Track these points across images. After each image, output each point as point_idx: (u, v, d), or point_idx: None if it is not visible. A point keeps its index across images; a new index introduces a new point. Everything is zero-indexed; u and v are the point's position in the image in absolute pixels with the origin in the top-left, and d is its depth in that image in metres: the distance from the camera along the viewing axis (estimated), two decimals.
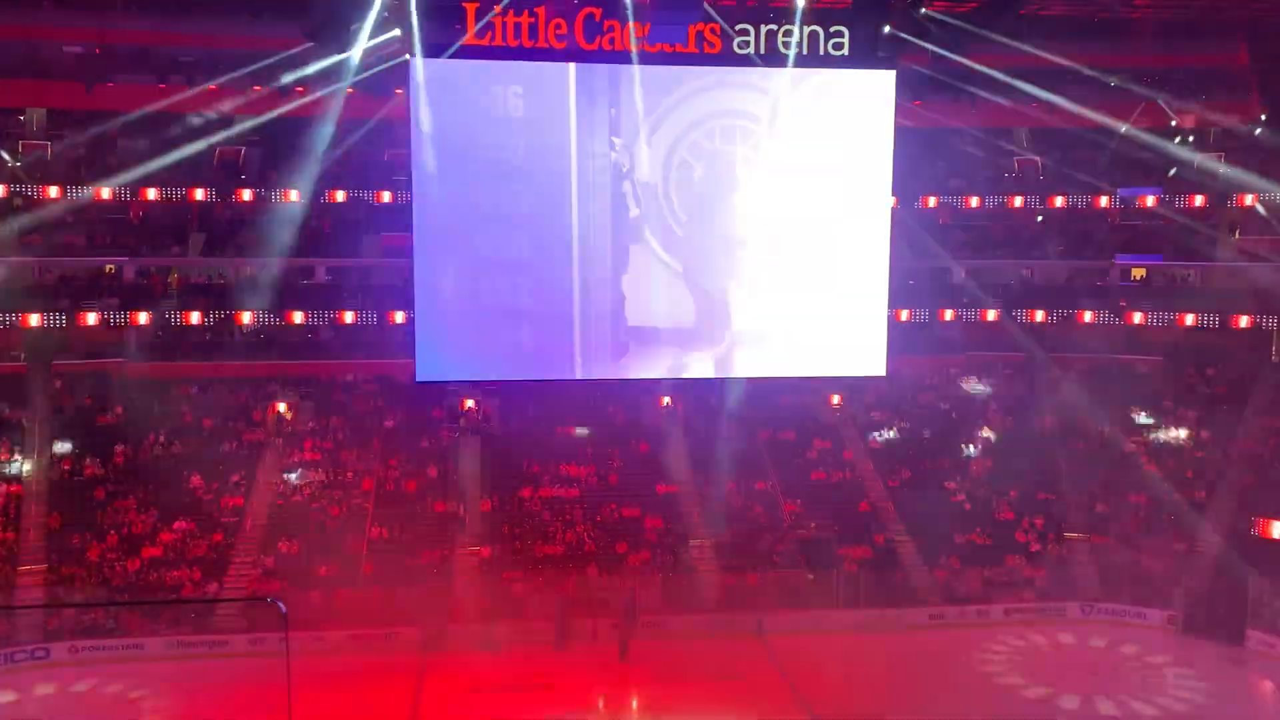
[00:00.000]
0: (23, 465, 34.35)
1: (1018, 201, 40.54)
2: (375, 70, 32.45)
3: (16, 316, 34.55)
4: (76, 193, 36.38)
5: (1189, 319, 37.79)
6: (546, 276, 30.30)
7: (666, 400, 39.05)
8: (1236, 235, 40.33)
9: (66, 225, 37.93)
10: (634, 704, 27.47)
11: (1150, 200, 39.99)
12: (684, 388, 37.82)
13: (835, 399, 39.82)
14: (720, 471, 36.85)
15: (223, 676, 28.29)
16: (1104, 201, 40.48)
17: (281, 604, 22.81)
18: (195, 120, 35.71)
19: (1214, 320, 37.58)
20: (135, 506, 33.51)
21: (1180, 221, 41.14)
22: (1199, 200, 39.37)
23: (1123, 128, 39.20)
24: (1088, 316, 38.76)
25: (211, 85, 34.38)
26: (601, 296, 30.72)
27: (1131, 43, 37.46)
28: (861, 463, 38.19)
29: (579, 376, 32.00)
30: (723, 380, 34.67)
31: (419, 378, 32.15)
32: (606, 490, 36.18)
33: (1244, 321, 37.07)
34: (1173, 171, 40.09)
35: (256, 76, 33.84)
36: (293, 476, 35.32)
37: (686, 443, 38.17)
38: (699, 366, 32.41)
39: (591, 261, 30.43)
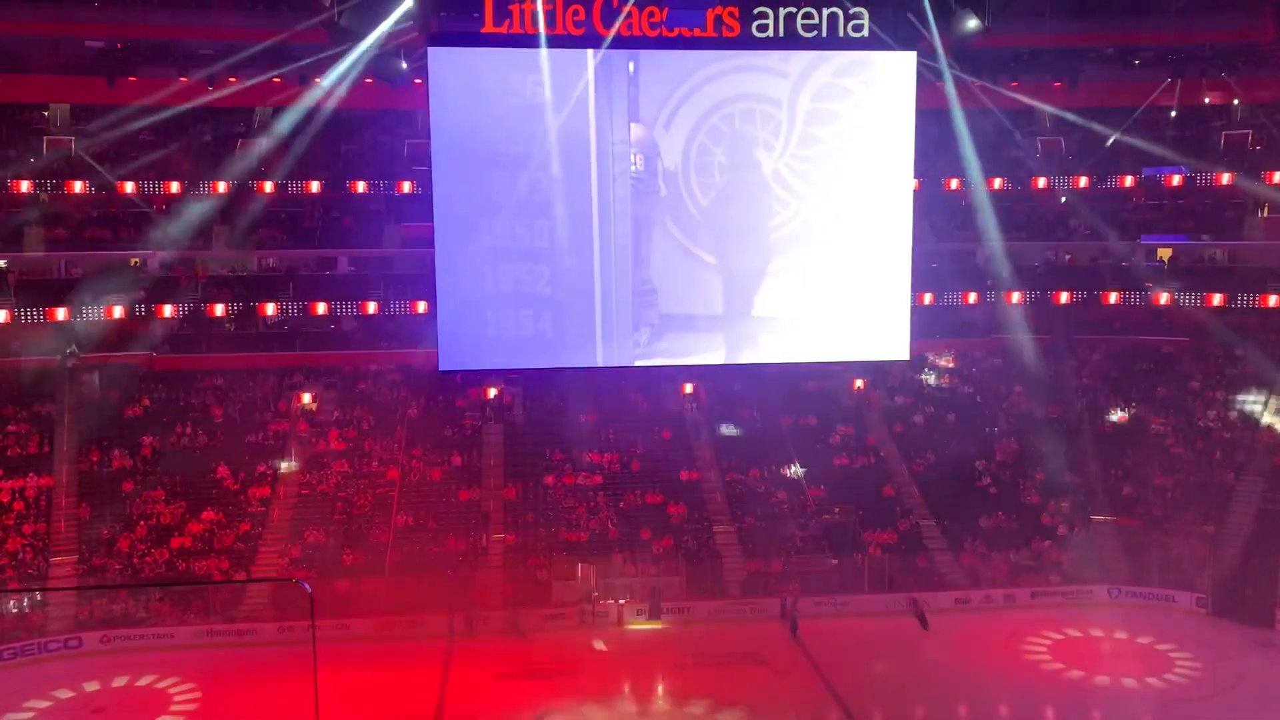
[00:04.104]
0: (52, 457, 34.71)
1: (1041, 182, 40.13)
2: (395, 61, 32.52)
3: (44, 310, 34.91)
4: (100, 186, 36.68)
5: (1216, 299, 37.34)
6: (567, 264, 30.25)
7: (689, 387, 39.01)
8: (1265, 213, 39.79)
9: (91, 219, 38.26)
10: (659, 689, 27.54)
11: (1176, 179, 39.50)
12: (706, 374, 37.78)
13: (858, 383, 39.65)
14: (743, 458, 36.87)
15: (251, 664, 28.58)
16: (1129, 181, 40.02)
17: (306, 584, 22.96)
18: (216, 113, 35.89)
19: (1242, 300, 37.12)
20: (163, 497, 33.85)
21: (1207, 200, 40.68)
22: (1226, 178, 38.86)
23: (1146, 106, 38.79)
24: (1113, 297, 38.36)
25: (232, 78, 34.49)
26: (622, 283, 30.65)
27: (1156, 20, 36.95)
28: (885, 447, 38.06)
29: (601, 364, 31.97)
30: (745, 366, 34.56)
31: (442, 367, 32.24)
32: (630, 477, 36.23)
33: (1273, 300, 36.62)
34: (1198, 150, 39.61)
35: (277, 69, 33.92)
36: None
37: (709, 429, 38.17)
38: (721, 353, 32.30)
39: (612, 248, 30.35)
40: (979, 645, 29.81)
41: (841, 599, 32.10)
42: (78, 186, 36.46)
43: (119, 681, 27.84)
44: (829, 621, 31.02)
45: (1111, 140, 39.35)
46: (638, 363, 32.14)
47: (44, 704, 26.57)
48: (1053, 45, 35.53)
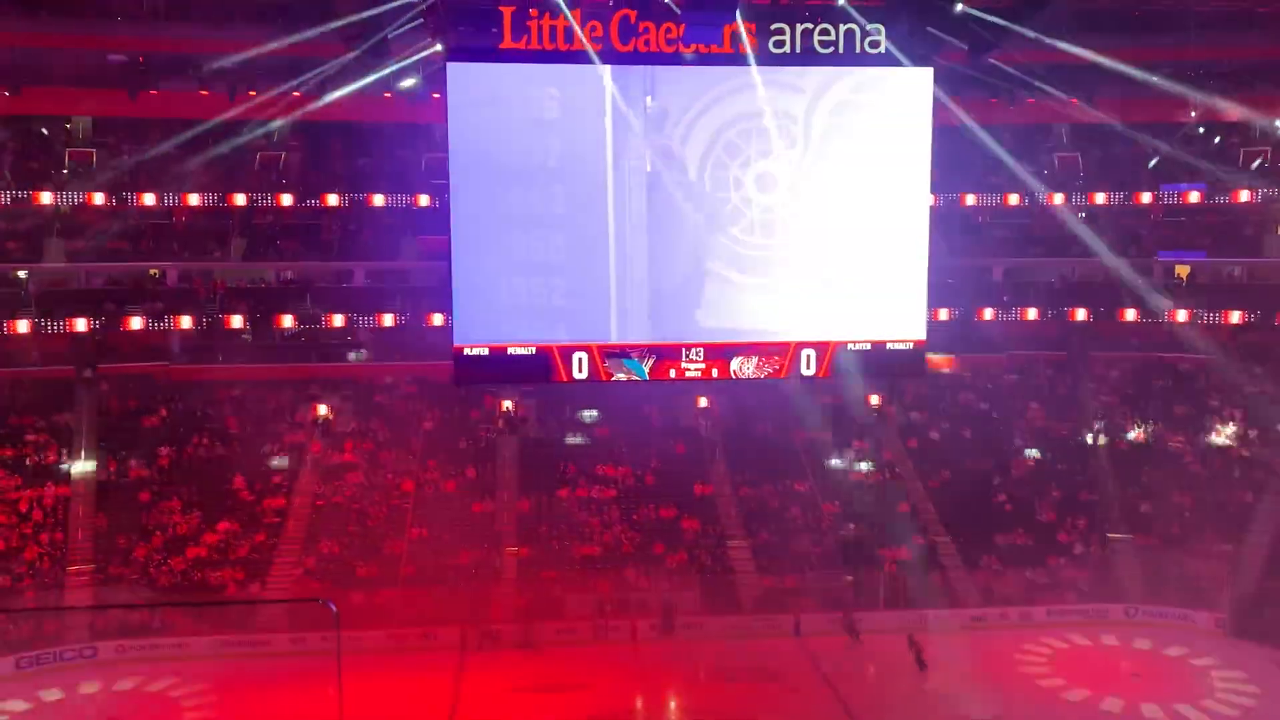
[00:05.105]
0: (70, 467, 34.94)
1: (1058, 198, 40.01)
2: (412, 75, 32.73)
3: (64, 321, 35.16)
4: (121, 198, 36.97)
5: (1235, 316, 37.11)
6: (582, 277, 30.26)
7: (703, 401, 38.99)
8: None
9: (111, 231, 38.57)
10: (672, 705, 27.46)
11: (1194, 196, 39.33)
12: (721, 388, 37.75)
13: (873, 399, 39.55)
14: (757, 472, 36.78)
15: (266, 675, 28.65)
16: (1146, 198, 39.85)
17: (332, 604, 23.27)
18: (236, 125, 36.14)
19: (1261, 317, 36.88)
20: (180, 508, 34.00)
21: (1225, 217, 40.48)
22: (1244, 195, 38.67)
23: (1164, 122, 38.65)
24: (1130, 314, 38.17)
25: (251, 91, 34.76)
26: (638, 297, 30.66)
27: (1174, 37, 36.87)
28: (901, 463, 37.92)
29: (616, 378, 31.93)
30: (759, 380, 34.48)
31: (457, 380, 32.26)
32: (643, 491, 36.21)
33: None
34: (1216, 167, 39.45)
35: (295, 82, 34.18)
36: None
37: (723, 443, 38.12)
38: (735, 367, 32.25)
39: (627, 263, 30.37)
40: (994, 664, 29.59)
41: (856, 616, 31.89)
42: (98, 198, 36.76)
43: (133, 690, 27.96)
44: (843, 639, 30.84)
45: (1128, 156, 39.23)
46: (652, 376, 32.13)
47: (59, 713, 26.70)
48: (1070, 61, 35.45)
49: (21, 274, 37.60)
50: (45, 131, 39.41)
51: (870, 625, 31.49)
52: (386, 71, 31.33)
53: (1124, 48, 36.52)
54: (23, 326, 34.71)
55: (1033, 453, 38.27)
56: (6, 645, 29.19)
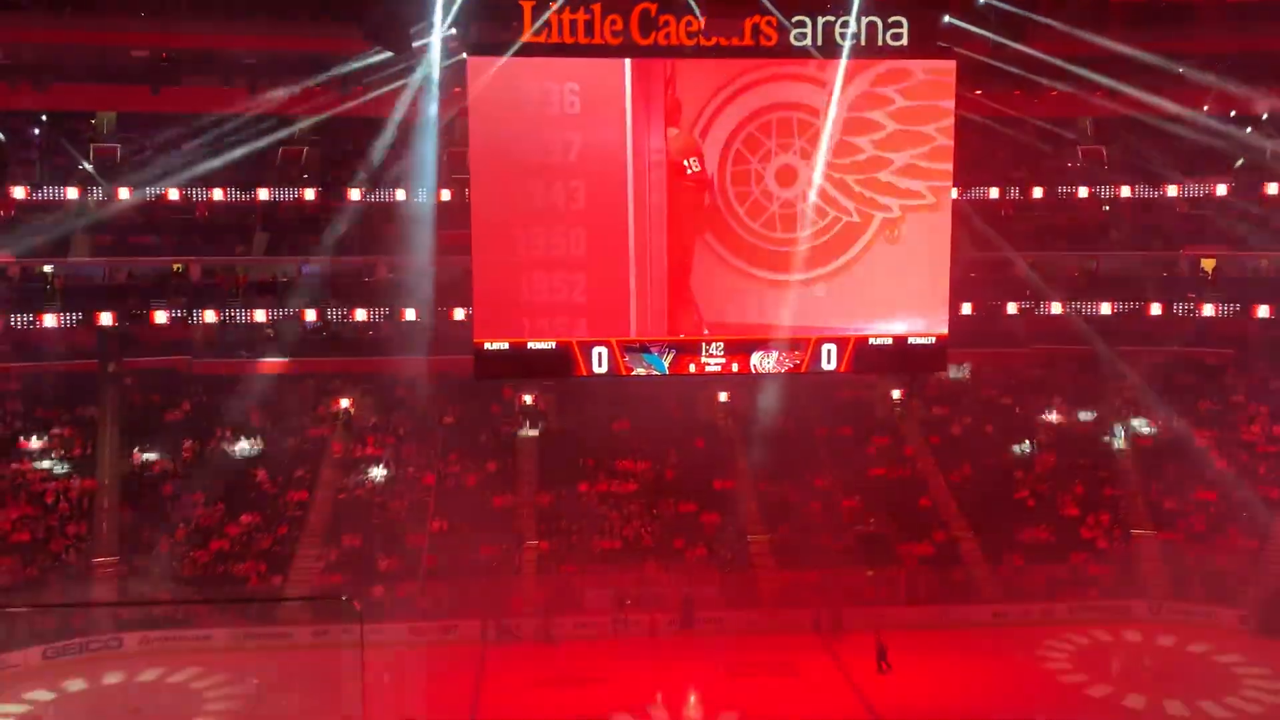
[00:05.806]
0: (95, 461, 35.25)
1: (1082, 192, 39.66)
2: (434, 69, 32.77)
3: (88, 315, 35.44)
4: (145, 193, 37.20)
5: (1262, 310, 36.70)
6: (602, 272, 30.29)
7: (723, 395, 38.92)
8: None
9: (135, 226, 38.82)
10: (691, 699, 27.47)
11: (1221, 189, 38.90)
12: (741, 383, 37.65)
13: (895, 394, 39.36)
14: (777, 467, 36.70)
15: (287, 667, 28.83)
16: (1172, 191, 39.44)
17: (356, 602, 23.45)
18: (258, 121, 36.29)
19: None
20: (203, 501, 34.25)
21: (1252, 211, 40.00)
22: (1272, 189, 38.21)
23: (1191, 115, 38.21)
24: (1156, 309, 37.83)
25: (274, 87, 34.89)
26: (658, 291, 30.65)
27: (1200, 28, 36.45)
28: (922, 458, 37.75)
29: (636, 372, 31.92)
30: (780, 375, 34.41)
31: (477, 375, 32.35)
32: (663, 485, 36.20)
33: None
34: (1240, 161, 38.98)
35: (318, 77, 34.28)
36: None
37: (743, 438, 38.05)
38: (755, 361, 32.19)
39: (647, 257, 30.36)
40: (1017, 660, 29.46)
41: (876, 611, 31.78)
42: (123, 193, 36.99)
43: (156, 680, 28.23)
44: (864, 634, 30.73)
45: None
46: (672, 371, 32.12)
47: (83, 703, 26.97)
48: (1095, 52, 35.12)
49: (47, 268, 37.92)
50: (70, 127, 39.67)
51: (891, 622, 31.37)
52: (407, 66, 31.44)
53: (1149, 40, 36.23)
54: (49, 320, 35.00)
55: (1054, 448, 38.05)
56: (33, 636, 29.51)
